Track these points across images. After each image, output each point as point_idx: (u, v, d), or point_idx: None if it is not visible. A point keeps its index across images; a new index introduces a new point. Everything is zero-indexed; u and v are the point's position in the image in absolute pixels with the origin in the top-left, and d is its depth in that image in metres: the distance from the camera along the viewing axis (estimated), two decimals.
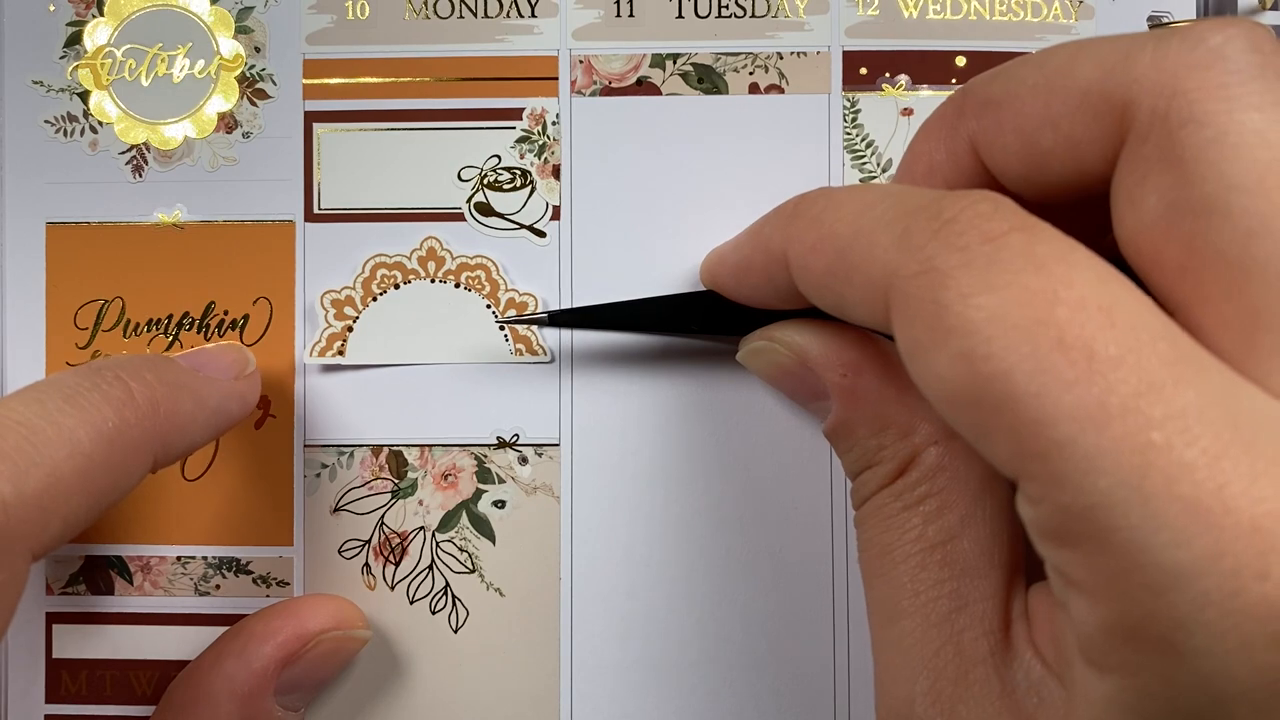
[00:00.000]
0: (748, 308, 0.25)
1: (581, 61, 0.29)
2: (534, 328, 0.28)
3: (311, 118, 0.29)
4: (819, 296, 0.21)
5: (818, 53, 0.29)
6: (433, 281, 0.28)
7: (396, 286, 0.28)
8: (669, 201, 0.28)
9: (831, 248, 0.19)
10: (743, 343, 0.25)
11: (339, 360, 0.28)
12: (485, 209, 0.29)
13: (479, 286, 0.28)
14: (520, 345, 0.28)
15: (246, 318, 0.29)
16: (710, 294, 0.26)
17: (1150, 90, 0.17)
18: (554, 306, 0.28)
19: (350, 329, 0.28)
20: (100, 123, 0.29)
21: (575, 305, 0.28)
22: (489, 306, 0.28)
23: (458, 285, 0.28)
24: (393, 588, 0.29)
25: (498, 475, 0.28)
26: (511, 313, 0.28)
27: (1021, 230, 0.17)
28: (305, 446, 0.29)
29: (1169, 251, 0.17)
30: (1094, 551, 0.15)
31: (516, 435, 0.28)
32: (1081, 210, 0.20)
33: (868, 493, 0.22)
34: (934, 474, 0.21)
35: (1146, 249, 0.18)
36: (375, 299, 0.28)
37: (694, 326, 0.27)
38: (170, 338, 0.29)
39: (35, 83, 0.29)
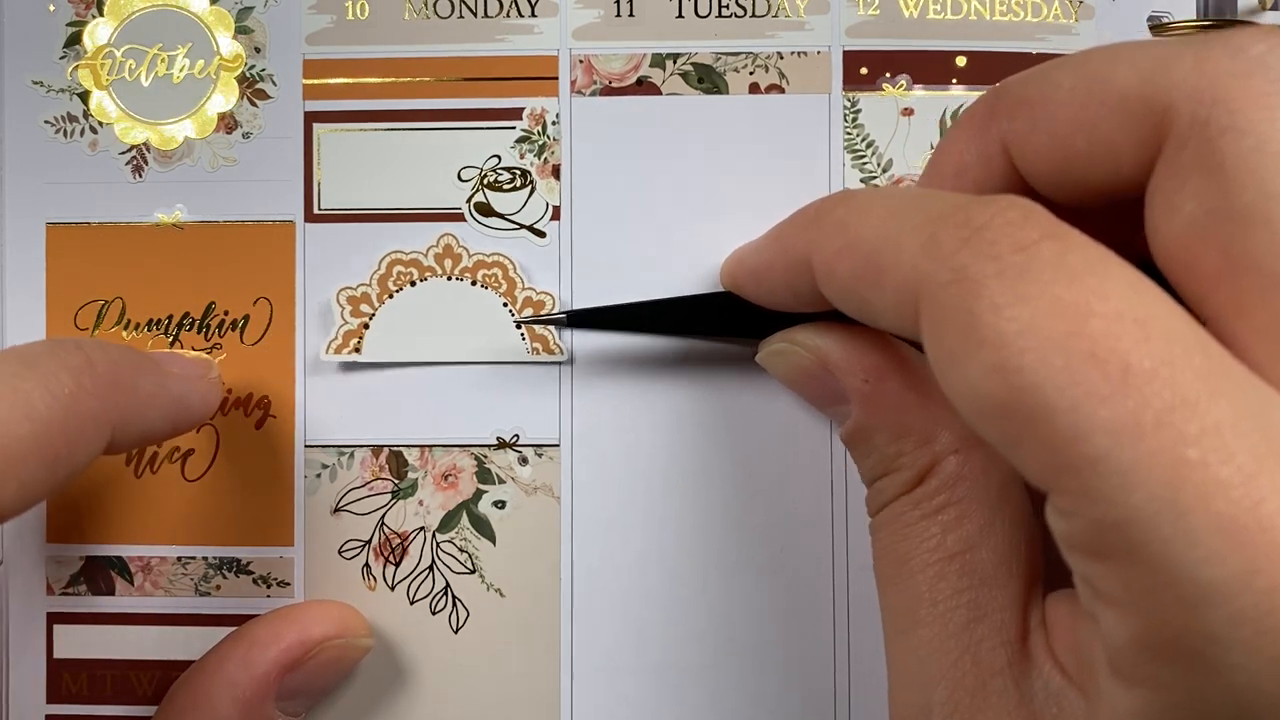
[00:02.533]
0: (767, 310, 0.25)
1: (581, 61, 0.29)
2: (550, 325, 0.28)
3: (311, 118, 0.29)
4: (844, 302, 0.21)
5: (818, 53, 0.29)
6: (449, 279, 0.28)
7: (413, 283, 0.28)
8: (669, 201, 0.28)
9: (858, 253, 0.19)
10: (762, 345, 0.25)
11: (356, 358, 0.28)
12: (485, 209, 0.29)
13: (495, 284, 0.28)
14: (537, 344, 0.28)
15: (247, 318, 0.29)
16: (729, 295, 0.26)
17: (1190, 96, 0.17)
18: (561, 306, 0.28)
19: (366, 326, 0.28)
20: (100, 123, 0.29)
21: (587, 305, 0.28)
22: (505, 304, 0.28)
23: (474, 283, 0.28)
24: (393, 588, 0.29)
25: (498, 476, 0.28)
26: (528, 311, 0.28)
27: (1053, 238, 0.16)
28: (306, 447, 0.29)
29: (1205, 259, 0.17)
30: (1126, 566, 0.15)
31: (517, 436, 0.28)
32: (1111, 214, 0.20)
33: (885, 500, 0.22)
34: (954, 483, 0.21)
35: (1181, 256, 0.18)
36: (392, 296, 0.28)
37: (713, 328, 0.26)
38: (171, 338, 0.29)
39: (35, 83, 0.29)
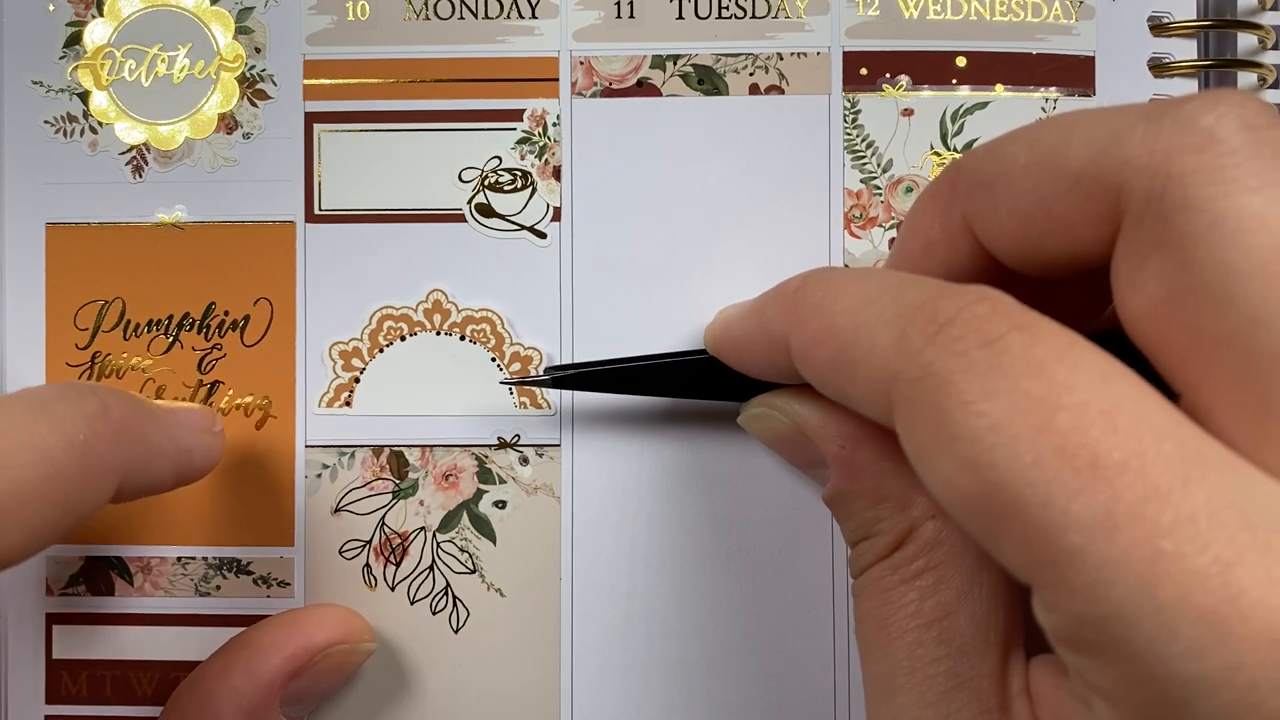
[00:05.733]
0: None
1: (582, 63, 0.29)
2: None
3: (312, 118, 0.29)
4: (822, 386, 0.21)
5: (818, 53, 0.29)
6: (438, 334, 0.29)
7: (403, 338, 0.29)
8: (669, 202, 0.28)
9: (833, 342, 0.19)
10: (744, 408, 0.25)
11: (346, 411, 0.28)
12: (486, 210, 0.29)
13: (484, 339, 0.28)
14: (525, 399, 0.28)
15: (247, 318, 0.29)
16: (714, 359, 0.25)
17: (1143, 173, 0.17)
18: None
19: (357, 380, 0.29)
20: (100, 123, 0.29)
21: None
22: (494, 359, 0.28)
23: (463, 338, 0.28)
24: (393, 588, 0.29)
25: (498, 476, 0.28)
26: (516, 366, 0.28)
27: (1020, 330, 0.16)
28: (306, 447, 0.29)
29: (1174, 337, 0.17)
30: (1112, 660, 0.15)
31: (517, 436, 0.28)
32: (1084, 281, 0.20)
33: (865, 563, 0.21)
34: (931, 548, 0.20)
35: (1151, 332, 0.17)
36: (382, 350, 0.29)
37: (697, 391, 0.26)
38: (171, 338, 0.29)
39: (35, 83, 0.29)
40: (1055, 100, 0.29)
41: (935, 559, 0.20)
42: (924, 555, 0.20)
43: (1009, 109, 0.29)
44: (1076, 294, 0.21)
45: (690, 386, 0.26)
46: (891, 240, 0.28)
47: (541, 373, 0.28)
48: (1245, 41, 0.29)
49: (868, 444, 0.22)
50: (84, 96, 0.29)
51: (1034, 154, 0.19)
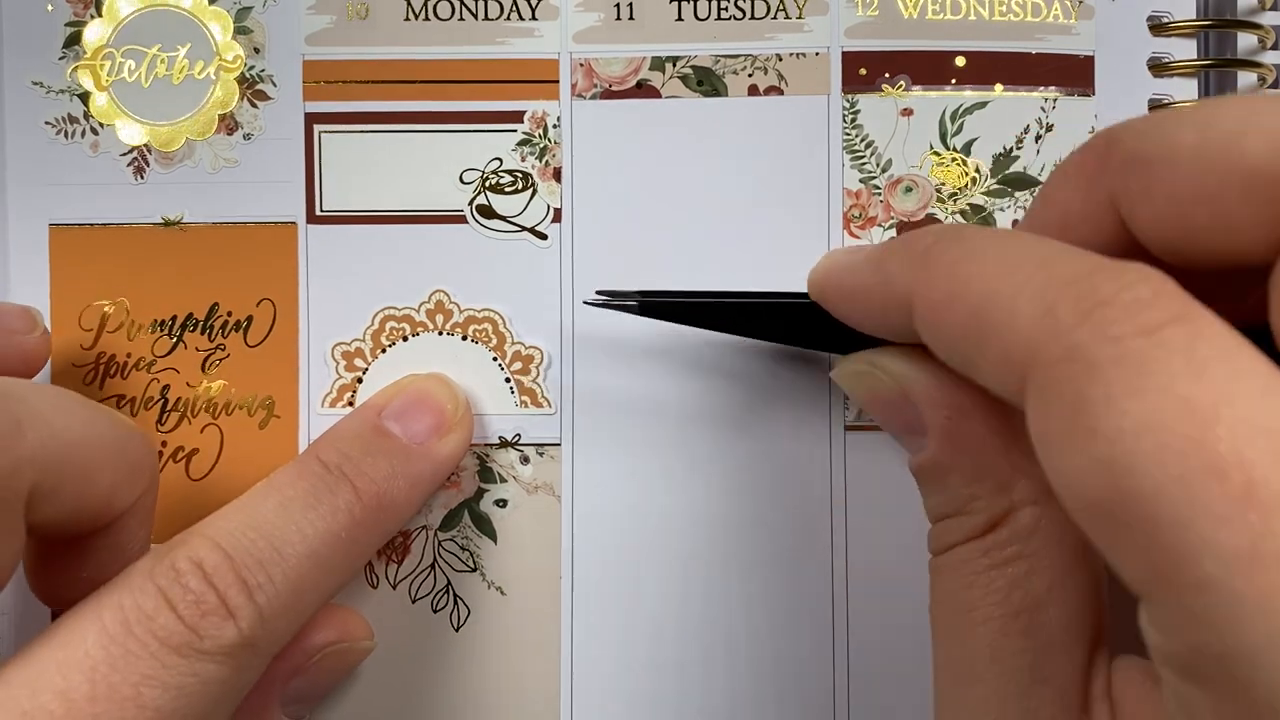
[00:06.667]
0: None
1: (582, 64, 0.29)
2: (539, 379, 0.28)
3: (312, 119, 0.29)
4: (944, 353, 0.19)
5: (817, 54, 0.29)
6: (440, 334, 0.29)
7: (405, 339, 0.29)
8: (669, 203, 0.28)
9: (966, 307, 0.18)
10: (841, 362, 0.24)
11: (349, 411, 0.29)
12: (487, 211, 0.29)
13: (486, 339, 0.28)
14: (525, 397, 0.28)
15: (250, 319, 0.29)
16: (811, 304, 0.24)
17: None
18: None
19: (360, 380, 0.29)
20: (101, 124, 0.29)
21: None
22: (495, 359, 0.29)
23: (465, 338, 0.29)
24: (394, 586, 0.29)
25: (499, 474, 0.29)
26: (517, 365, 0.29)
27: (1181, 323, 0.15)
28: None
29: None
30: (1225, 698, 0.14)
31: (518, 435, 0.29)
32: (1235, 273, 0.18)
33: (950, 541, 0.20)
34: (1027, 535, 0.19)
35: None
36: (384, 350, 0.29)
37: (789, 337, 0.25)
38: (174, 339, 0.29)
39: (35, 84, 0.29)
40: (1055, 100, 0.29)
41: (1030, 547, 0.19)
42: (1018, 542, 0.19)
43: (1008, 109, 0.29)
44: (1220, 284, 0.19)
45: (783, 331, 0.25)
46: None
47: (625, 299, 0.26)
48: (1245, 41, 0.29)
49: (977, 417, 0.20)
50: (84, 97, 0.29)
51: (1204, 139, 0.17)
